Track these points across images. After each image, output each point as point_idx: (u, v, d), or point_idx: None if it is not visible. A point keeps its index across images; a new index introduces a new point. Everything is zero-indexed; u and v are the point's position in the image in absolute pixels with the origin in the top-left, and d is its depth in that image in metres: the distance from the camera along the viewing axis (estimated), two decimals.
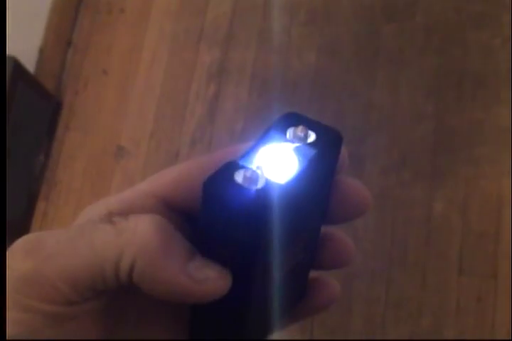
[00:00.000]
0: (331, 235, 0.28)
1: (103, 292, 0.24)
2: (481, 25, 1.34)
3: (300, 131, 0.23)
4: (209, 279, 0.23)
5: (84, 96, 1.56)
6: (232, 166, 0.22)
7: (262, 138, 0.23)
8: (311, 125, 0.23)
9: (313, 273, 0.28)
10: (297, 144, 0.23)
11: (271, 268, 0.24)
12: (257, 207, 0.21)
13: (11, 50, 1.32)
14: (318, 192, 0.24)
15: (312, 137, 0.23)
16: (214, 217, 0.22)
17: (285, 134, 0.23)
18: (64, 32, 1.60)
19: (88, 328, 0.24)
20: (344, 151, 0.25)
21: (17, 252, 0.23)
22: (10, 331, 0.22)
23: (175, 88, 1.50)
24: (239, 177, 0.21)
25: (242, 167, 0.22)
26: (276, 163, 0.22)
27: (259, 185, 0.21)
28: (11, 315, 0.22)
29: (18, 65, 1.35)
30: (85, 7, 1.65)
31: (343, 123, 1.32)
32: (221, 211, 0.22)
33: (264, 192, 0.21)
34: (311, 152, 0.23)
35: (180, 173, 0.26)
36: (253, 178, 0.21)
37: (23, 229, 1.43)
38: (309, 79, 1.40)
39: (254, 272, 0.23)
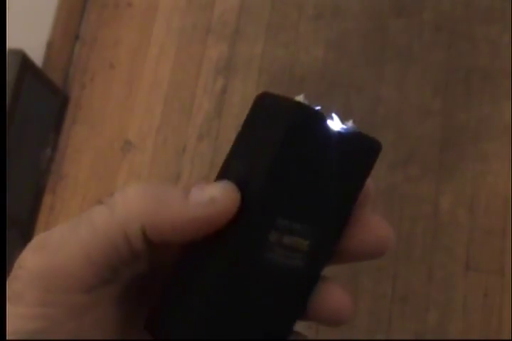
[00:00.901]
0: (330, 289, 0.26)
1: (119, 271, 0.24)
2: (489, 21, 1.33)
3: (349, 121, 0.26)
4: (216, 195, 0.24)
5: (92, 90, 1.56)
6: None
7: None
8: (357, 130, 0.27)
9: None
10: (343, 126, 0.26)
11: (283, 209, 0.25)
12: (295, 116, 0.24)
13: (19, 43, 1.32)
14: (344, 182, 0.26)
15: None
16: (255, 124, 0.25)
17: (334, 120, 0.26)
18: (72, 26, 1.61)
19: (106, 320, 0.25)
20: (371, 185, 0.27)
21: (28, 252, 0.24)
22: (32, 326, 0.23)
23: (182, 82, 1.50)
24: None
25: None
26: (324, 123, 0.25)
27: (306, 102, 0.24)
28: (32, 311, 0.23)
29: (25, 59, 1.36)
30: (93, 1, 1.65)
31: (350, 118, 1.31)
32: (264, 114, 0.25)
33: (307, 108, 0.24)
34: (353, 131, 0.26)
35: None
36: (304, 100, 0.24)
37: (30, 222, 1.44)
38: (317, 74, 1.40)
39: (265, 197, 0.24)
